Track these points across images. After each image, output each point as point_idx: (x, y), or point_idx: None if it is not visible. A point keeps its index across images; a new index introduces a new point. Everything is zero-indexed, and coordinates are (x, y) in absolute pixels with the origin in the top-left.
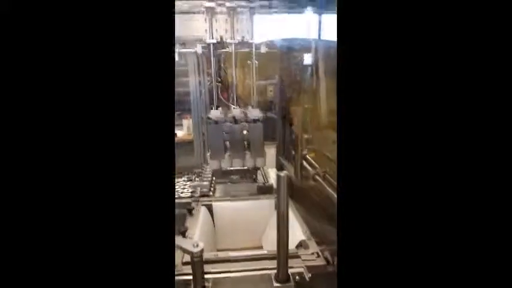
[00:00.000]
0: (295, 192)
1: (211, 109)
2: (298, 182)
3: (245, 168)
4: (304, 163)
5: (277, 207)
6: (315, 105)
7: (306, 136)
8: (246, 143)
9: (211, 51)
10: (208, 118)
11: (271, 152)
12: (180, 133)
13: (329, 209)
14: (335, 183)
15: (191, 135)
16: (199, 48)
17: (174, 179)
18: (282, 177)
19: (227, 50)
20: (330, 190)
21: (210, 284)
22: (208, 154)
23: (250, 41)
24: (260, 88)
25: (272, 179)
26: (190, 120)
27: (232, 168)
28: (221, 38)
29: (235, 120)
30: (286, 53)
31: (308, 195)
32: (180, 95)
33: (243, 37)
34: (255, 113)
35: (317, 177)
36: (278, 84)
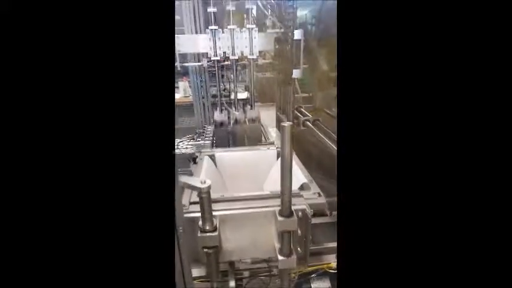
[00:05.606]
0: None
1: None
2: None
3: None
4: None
5: (281, 156)
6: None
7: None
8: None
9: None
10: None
11: (271, 112)
12: (176, 96)
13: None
14: (325, 128)
15: (189, 97)
16: None
17: (174, 144)
18: (286, 128)
19: None
20: (320, 134)
21: (217, 221)
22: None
23: None
24: None
25: (272, 137)
26: (187, 82)
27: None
28: None
29: (236, 121)
30: None
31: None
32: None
33: None
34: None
35: (307, 123)
36: None
